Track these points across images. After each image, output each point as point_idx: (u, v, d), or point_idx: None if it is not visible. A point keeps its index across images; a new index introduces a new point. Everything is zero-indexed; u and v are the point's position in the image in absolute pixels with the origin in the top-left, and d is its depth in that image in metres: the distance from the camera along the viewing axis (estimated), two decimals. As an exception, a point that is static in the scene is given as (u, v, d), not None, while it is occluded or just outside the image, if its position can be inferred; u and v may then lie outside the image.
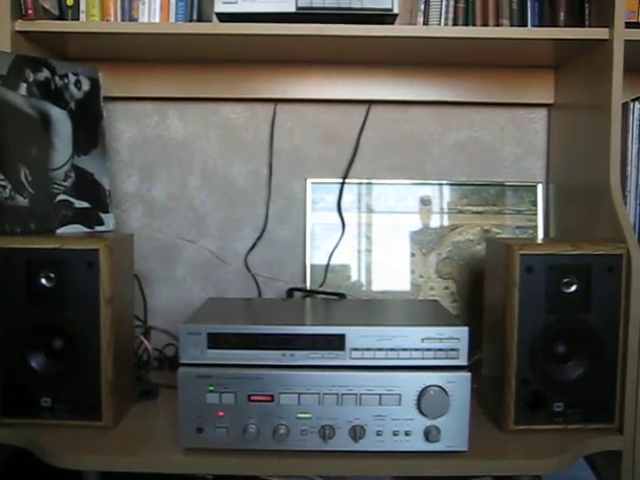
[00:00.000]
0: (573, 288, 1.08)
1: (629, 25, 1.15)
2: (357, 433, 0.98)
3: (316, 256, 1.47)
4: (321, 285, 1.46)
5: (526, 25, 1.23)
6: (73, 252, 1.05)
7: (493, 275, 1.17)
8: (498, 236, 1.46)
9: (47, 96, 1.21)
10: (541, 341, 1.08)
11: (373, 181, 1.48)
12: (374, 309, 1.17)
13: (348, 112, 1.50)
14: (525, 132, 1.51)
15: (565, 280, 1.08)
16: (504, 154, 1.51)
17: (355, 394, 0.99)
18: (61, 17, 1.23)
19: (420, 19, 1.25)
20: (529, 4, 1.23)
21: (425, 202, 1.48)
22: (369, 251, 1.47)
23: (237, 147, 1.51)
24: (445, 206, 1.48)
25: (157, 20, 1.23)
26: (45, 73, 1.21)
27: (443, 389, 0.98)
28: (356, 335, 1.00)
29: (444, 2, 1.24)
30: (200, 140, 1.51)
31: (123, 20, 1.24)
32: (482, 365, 1.23)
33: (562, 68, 1.41)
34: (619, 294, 1.09)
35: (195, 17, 1.24)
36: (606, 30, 1.16)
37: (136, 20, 1.24)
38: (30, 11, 1.18)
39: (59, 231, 1.20)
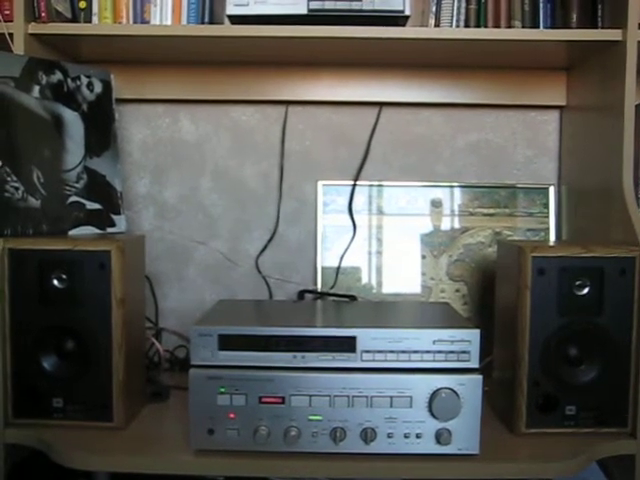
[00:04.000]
0: (585, 291, 1.07)
1: (642, 26, 1.14)
2: (368, 435, 0.98)
3: (327, 258, 1.47)
4: (332, 287, 1.46)
5: (538, 27, 1.23)
6: (85, 253, 1.06)
7: (504, 277, 1.17)
8: (509, 238, 1.46)
9: (60, 98, 1.22)
10: (553, 344, 1.07)
11: (384, 183, 1.47)
12: (385, 311, 1.17)
13: (359, 114, 1.50)
14: (537, 134, 1.50)
15: (577, 283, 1.07)
16: (516, 156, 1.51)
17: (366, 396, 0.98)
18: (74, 20, 1.24)
19: (432, 21, 1.24)
20: (541, 5, 1.23)
21: (436, 204, 1.47)
22: (380, 253, 1.47)
23: (248, 149, 1.51)
24: (456, 208, 1.47)
25: (169, 22, 1.24)
26: (58, 75, 1.22)
27: (454, 392, 0.98)
28: (367, 337, 0.99)
29: (456, 4, 1.23)
30: (211, 142, 1.52)
31: (135, 22, 1.24)
32: (493, 368, 1.22)
33: (574, 70, 1.41)
34: (632, 297, 1.08)
35: (207, 19, 1.24)
36: (619, 31, 1.15)
37: (148, 22, 1.24)
38: (43, 14, 1.18)
39: (71, 232, 1.21)
